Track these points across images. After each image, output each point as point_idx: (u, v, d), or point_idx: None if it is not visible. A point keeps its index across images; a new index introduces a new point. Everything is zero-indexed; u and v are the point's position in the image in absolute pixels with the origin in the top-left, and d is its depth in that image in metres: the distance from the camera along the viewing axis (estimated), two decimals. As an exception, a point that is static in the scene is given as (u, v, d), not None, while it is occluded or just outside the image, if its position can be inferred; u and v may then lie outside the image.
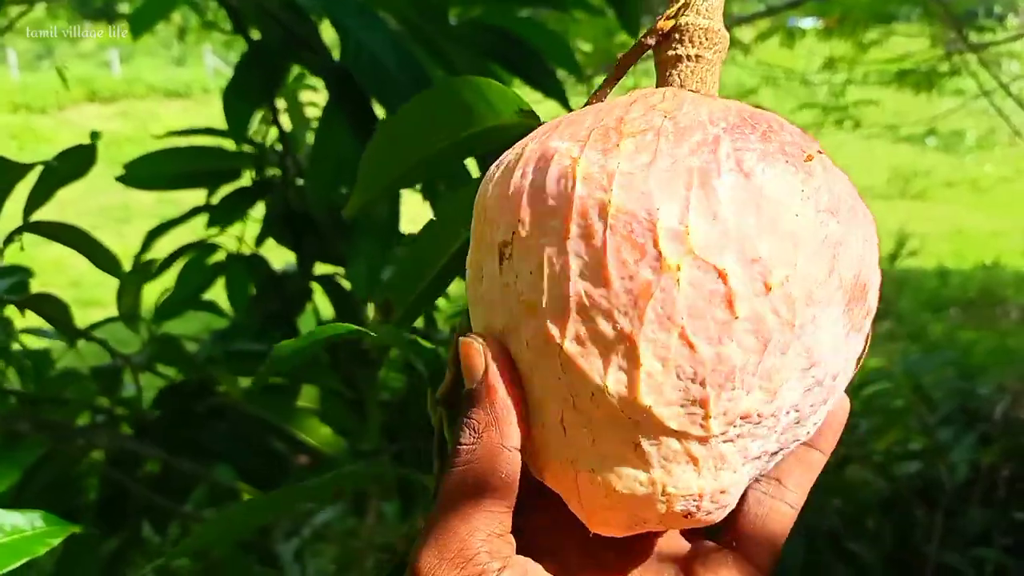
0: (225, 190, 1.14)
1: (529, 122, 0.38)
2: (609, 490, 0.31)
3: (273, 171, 1.17)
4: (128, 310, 0.84)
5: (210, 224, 1.17)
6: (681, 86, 0.35)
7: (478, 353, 0.32)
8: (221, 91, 0.99)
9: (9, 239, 0.73)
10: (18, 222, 0.76)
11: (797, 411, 0.31)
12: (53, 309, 0.75)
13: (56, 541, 0.48)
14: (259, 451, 0.94)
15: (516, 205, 0.31)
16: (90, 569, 0.68)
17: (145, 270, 0.93)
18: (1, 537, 0.47)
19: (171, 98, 9.56)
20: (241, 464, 0.93)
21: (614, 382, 0.29)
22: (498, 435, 0.32)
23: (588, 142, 0.30)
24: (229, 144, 1.13)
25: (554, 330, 0.30)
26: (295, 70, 1.15)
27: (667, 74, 0.35)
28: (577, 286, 0.29)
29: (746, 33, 3.42)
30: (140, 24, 1.02)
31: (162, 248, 1.18)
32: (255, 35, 0.95)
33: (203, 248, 1.15)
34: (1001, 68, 3.96)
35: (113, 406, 0.88)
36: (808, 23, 3.63)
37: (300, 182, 1.15)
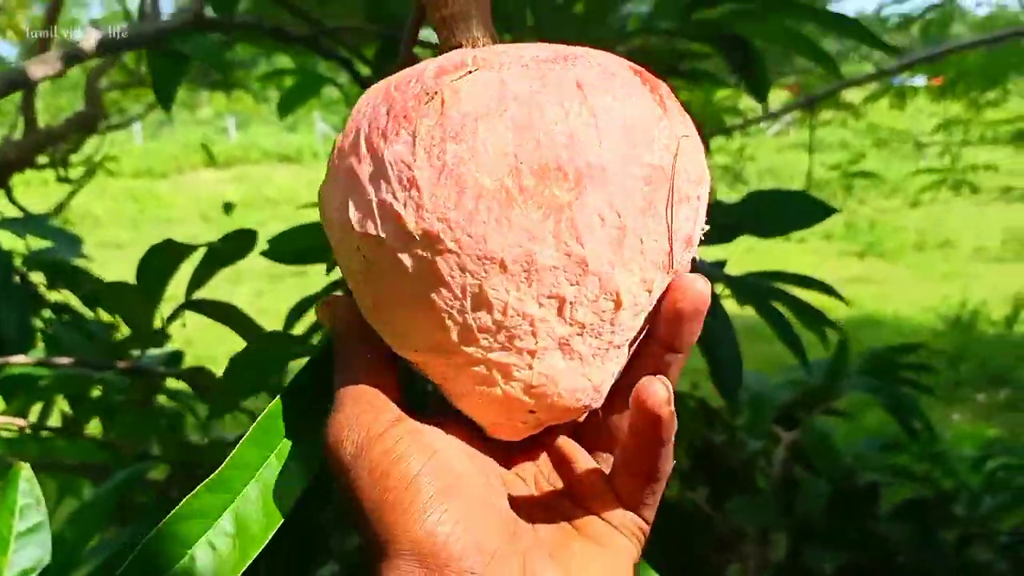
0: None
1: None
2: (473, 401, 0.36)
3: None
4: (274, 382, 0.88)
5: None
6: (446, 44, 0.39)
7: (322, 309, 0.39)
8: (328, 156, 1.02)
9: (173, 316, 0.78)
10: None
11: (570, 304, 0.33)
12: (206, 381, 0.79)
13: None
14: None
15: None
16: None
17: (289, 345, 0.96)
18: None
19: (283, 162, 9.95)
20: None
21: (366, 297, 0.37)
22: (347, 328, 0.38)
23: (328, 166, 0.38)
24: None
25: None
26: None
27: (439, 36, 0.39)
28: (356, 263, 0.36)
29: (855, 95, 3.38)
30: (288, 105, 1.07)
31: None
32: (361, 67, 0.97)
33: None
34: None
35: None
36: (919, 81, 3.56)
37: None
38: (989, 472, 2.53)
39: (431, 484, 0.32)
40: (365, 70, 0.94)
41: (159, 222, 8.08)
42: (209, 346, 4.36)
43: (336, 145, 0.36)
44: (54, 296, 1.16)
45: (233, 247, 0.74)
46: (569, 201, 0.32)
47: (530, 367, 0.34)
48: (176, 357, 0.86)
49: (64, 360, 0.73)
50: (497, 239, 0.32)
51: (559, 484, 0.38)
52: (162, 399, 0.93)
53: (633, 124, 0.33)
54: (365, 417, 0.34)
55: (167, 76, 0.64)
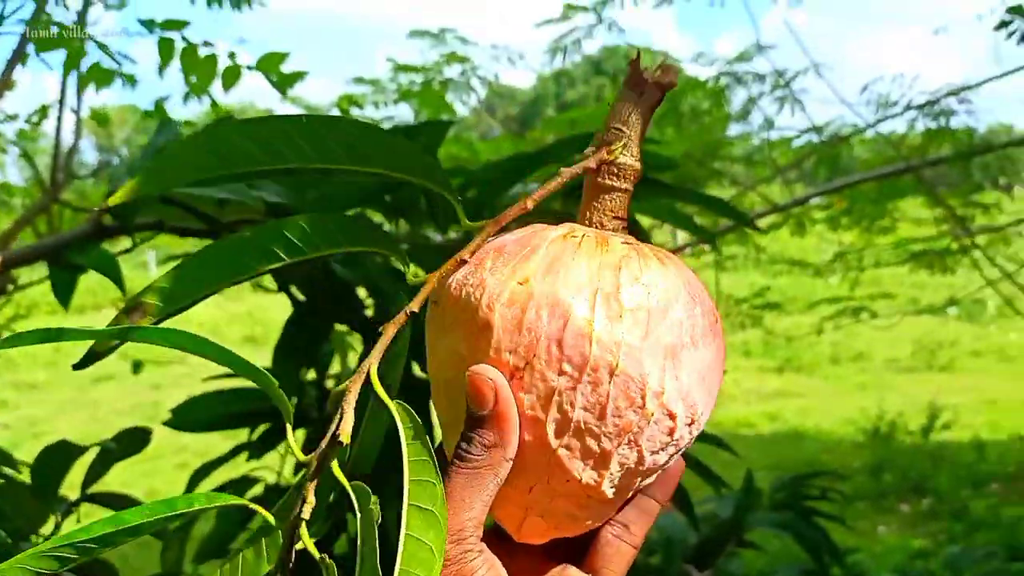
0: (266, 426, 1.19)
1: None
2: (548, 528, 0.45)
3: (309, 401, 1.23)
4: (171, 567, 0.88)
5: (249, 458, 1.22)
6: (611, 211, 0.48)
7: (489, 385, 0.42)
8: (251, 286, 1.05)
9: (68, 511, 0.78)
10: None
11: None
12: (103, 572, 0.79)
13: None
14: None
15: (534, 342, 0.42)
16: None
17: (187, 529, 0.96)
18: None
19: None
20: None
21: (587, 477, 0.43)
22: (503, 452, 0.42)
23: (596, 306, 0.42)
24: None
25: (552, 439, 0.42)
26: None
27: (599, 196, 0.48)
28: (580, 415, 0.42)
29: (762, 221, 3.54)
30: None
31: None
32: (296, 293, 1.03)
33: (242, 483, 1.19)
34: (1012, 242, 4.04)
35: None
36: (817, 200, 3.74)
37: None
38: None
39: None
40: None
41: (75, 360, 7.85)
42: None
43: (639, 302, 0.43)
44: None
45: (125, 445, 0.75)
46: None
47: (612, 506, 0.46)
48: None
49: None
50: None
51: None
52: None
53: None
54: (463, 547, 0.41)
55: (65, 287, 0.67)
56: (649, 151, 0.94)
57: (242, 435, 1.24)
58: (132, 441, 0.76)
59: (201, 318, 9.18)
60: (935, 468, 4.84)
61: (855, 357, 7.51)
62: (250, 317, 8.96)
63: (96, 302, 9.71)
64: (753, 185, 3.16)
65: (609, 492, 0.44)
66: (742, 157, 3.43)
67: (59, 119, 1.50)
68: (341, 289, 0.94)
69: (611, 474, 0.43)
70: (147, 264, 11.02)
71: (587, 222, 0.47)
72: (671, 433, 0.43)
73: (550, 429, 0.42)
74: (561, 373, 0.42)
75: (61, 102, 1.51)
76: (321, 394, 1.19)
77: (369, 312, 0.96)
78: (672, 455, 0.45)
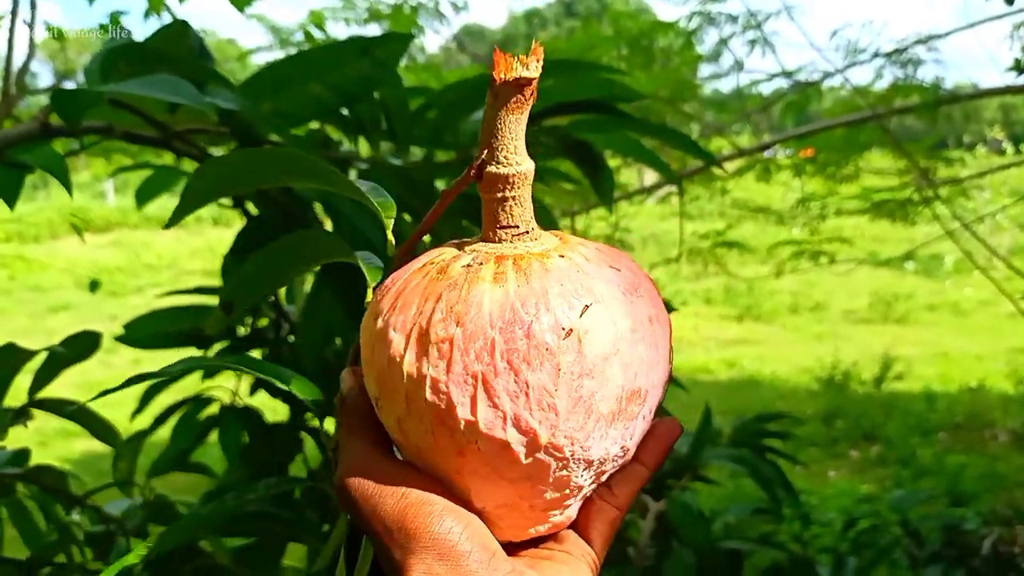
0: (221, 345, 1.18)
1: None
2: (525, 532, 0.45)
3: (264, 322, 1.22)
4: (123, 476, 0.87)
5: (204, 377, 1.21)
6: (496, 223, 0.45)
7: (347, 377, 0.47)
8: (213, 219, 1.03)
9: (16, 416, 0.76)
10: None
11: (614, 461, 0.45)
12: (52, 479, 0.78)
13: None
14: (247, 611, 0.95)
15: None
16: None
17: (140, 439, 0.95)
18: None
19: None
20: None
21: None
22: (349, 420, 0.45)
23: (410, 341, 0.41)
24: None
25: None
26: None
27: (487, 208, 0.45)
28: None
29: (729, 167, 3.54)
30: (145, 196, 1.08)
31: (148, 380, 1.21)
32: (252, 209, 1.01)
33: (197, 402, 1.18)
34: (972, 197, 4.09)
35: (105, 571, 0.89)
36: (784, 152, 3.76)
37: (292, 338, 1.20)
38: (856, 534, 2.64)
39: (441, 502, 0.42)
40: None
41: (31, 289, 7.75)
42: (66, 448, 4.18)
43: (446, 332, 0.41)
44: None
45: (75, 350, 0.74)
46: (639, 413, 0.43)
47: (562, 512, 0.45)
48: (22, 456, 0.84)
49: None
50: (597, 449, 0.42)
51: None
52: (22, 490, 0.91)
53: (668, 344, 0.45)
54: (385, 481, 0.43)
55: (10, 185, 0.65)
56: (614, 81, 0.93)
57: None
58: (81, 345, 0.75)
59: (161, 250, 9.06)
60: (886, 417, 4.95)
61: (814, 307, 7.63)
62: (210, 251, 8.84)
63: (53, 231, 9.55)
64: (721, 129, 3.15)
65: (527, 503, 0.44)
66: (713, 102, 3.42)
67: (11, 31, 1.44)
68: (297, 205, 0.92)
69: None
70: (105, 194, 10.82)
71: (485, 236, 0.46)
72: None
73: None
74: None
75: (13, 13, 1.46)
76: (278, 315, 1.18)
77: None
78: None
